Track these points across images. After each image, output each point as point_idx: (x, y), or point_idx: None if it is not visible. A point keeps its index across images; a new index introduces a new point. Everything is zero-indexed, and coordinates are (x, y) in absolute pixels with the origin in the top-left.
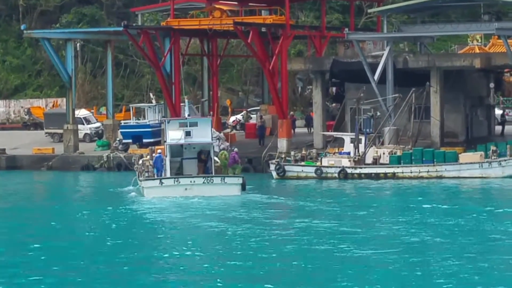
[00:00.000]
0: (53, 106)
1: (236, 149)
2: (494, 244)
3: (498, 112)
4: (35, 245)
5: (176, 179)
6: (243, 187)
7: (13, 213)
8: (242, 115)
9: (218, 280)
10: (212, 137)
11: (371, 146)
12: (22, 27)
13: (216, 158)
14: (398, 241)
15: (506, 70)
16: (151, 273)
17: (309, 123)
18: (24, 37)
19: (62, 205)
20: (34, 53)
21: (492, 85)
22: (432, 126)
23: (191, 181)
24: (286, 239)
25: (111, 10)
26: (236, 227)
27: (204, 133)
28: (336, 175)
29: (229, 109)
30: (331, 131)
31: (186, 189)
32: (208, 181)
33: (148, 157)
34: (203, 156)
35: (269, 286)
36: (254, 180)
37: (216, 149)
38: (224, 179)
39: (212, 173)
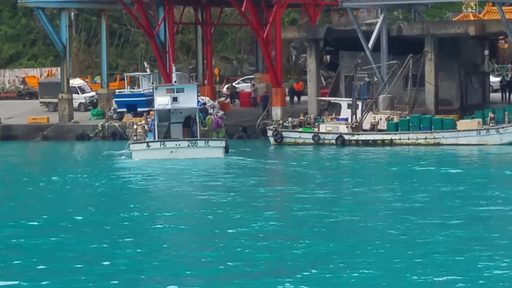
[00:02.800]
0: (47, 75)
1: (220, 114)
2: (490, 209)
3: (494, 79)
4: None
5: (162, 142)
6: (226, 150)
7: (5, 183)
8: (227, 87)
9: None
10: (197, 103)
11: (368, 112)
12: None
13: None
14: (390, 206)
15: (500, 37)
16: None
17: (292, 96)
18: (19, 6)
19: (54, 172)
20: (29, 23)
21: (486, 52)
22: (427, 93)
23: (176, 144)
24: (267, 204)
25: None
26: (217, 192)
27: (190, 99)
28: (334, 141)
29: (217, 78)
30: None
31: (172, 151)
32: (192, 144)
33: (143, 122)
34: (191, 123)
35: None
36: (249, 145)
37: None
38: (207, 142)
39: (197, 137)
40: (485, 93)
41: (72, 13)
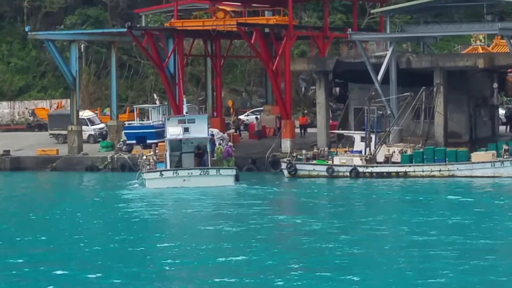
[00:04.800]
0: (57, 107)
1: (230, 144)
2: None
3: (502, 111)
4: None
5: (175, 171)
6: (237, 178)
7: (16, 211)
8: (233, 121)
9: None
10: (208, 133)
11: (382, 144)
12: (27, 28)
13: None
14: (404, 239)
15: (509, 70)
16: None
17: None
18: (29, 38)
19: (66, 201)
20: (39, 55)
21: (495, 85)
22: (436, 126)
23: (188, 173)
24: (280, 232)
25: (115, 11)
26: (229, 220)
27: (201, 129)
28: (348, 173)
29: (231, 110)
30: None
31: (184, 180)
32: (204, 172)
33: (152, 153)
34: (200, 151)
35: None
36: (261, 177)
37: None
38: (219, 171)
39: (208, 166)
40: (494, 125)
41: (82, 45)
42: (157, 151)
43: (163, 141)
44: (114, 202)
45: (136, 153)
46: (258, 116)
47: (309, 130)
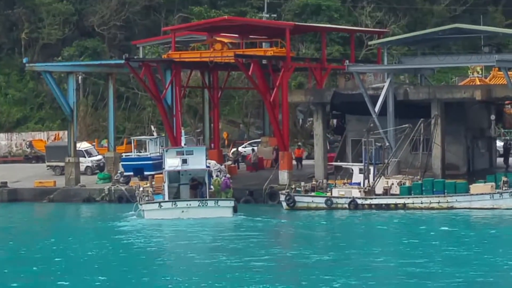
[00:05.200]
0: (54, 139)
1: (228, 175)
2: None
3: (499, 143)
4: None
5: (173, 202)
6: (235, 209)
7: (13, 244)
8: (232, 152)
9: None
10: (206, 164)
11: (381, 176)
12: (24, 60)
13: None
14: (402, 271)
15: (507, 102)
16: None
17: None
18: (27, 70)
19: (62, 230)
20: (36, 86)
21: (493, 117)
22: (434, 158)
23: (187, 204)
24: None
25: (113, 43)
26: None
27: (199, 161)
28: (347, 205)
29: (226, 142)
30: (339, 162)
31: (183, 211)
32: (203, 204)
33: (148, 185)
34: (195, 182)
35: None
36: (259, 209)
37: (214, 176)
38: (217, 202)
39: (206, 197)
40: (492, 157)
41: (80, 77)
42: (153, 183)
43: (160, 173)
44: (112, 233)
45: (133, 185)
46: (255, 148)
47: (306, 162)
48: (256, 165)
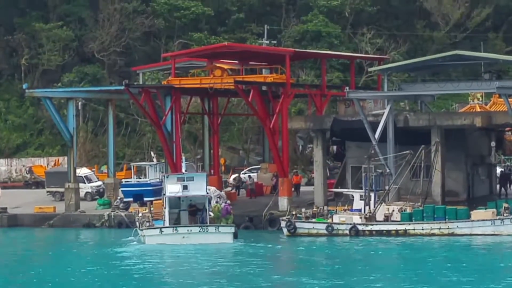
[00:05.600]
0: (54, 164)
1: (228, 202)
2: None
3: (499, 170)
4: None
5: (174, 228)
6: (235, 235)
7: (9, 269)
8: (233, 178)
9: None
10: (206, 191)
11: (381, 203)
12: (24, 86)
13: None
14: None
15: (507, 129)
16: None
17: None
18: (26, 96)
19: (64, 255)
20: (36, 112)
21: (493, 143)
22: (434, 184)
23: (188, 230)
24: None
25: (113, 69)
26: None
27: (199, 187)
28: (348, 232)
29: (223, 168)
30: (339, 188)
31: (183, 237)
32: (203, 230)
33: (147, 210)
34: (193, 208)
35: None
36: (260, 236)
37: (213, 202)
38: (218, 228)
39: (207, 223)
40: (492, 184)
41: (80, 103)
42: (152, 208)
43: (159, 199)
44: (112, 259)
45: (133, 210)
46: (251, 175)
47: (306, 188)
48: (253, 191)
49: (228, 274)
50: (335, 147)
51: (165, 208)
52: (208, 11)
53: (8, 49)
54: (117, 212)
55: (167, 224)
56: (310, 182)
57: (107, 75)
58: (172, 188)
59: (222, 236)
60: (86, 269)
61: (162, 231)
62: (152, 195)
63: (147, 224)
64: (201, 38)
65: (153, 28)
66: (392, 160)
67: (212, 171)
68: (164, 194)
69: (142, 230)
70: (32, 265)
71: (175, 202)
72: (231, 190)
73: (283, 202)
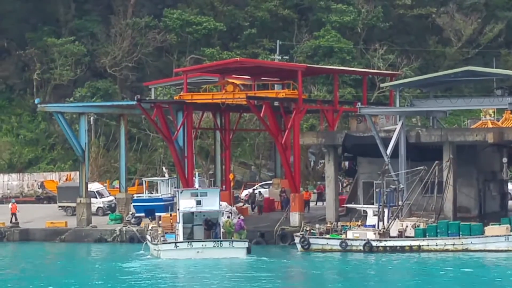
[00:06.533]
0: (66, 179)
1: (242, 217)
2: None
3: (511, 186)
4: None
5: (189, 243)
6: (249, 251)
7: (23, 283)
8: (246, 194)
9: None
10: (219, 206)
11: (395, 219)
12: (36, 101)
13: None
14: None
15: None
16: None
17: (284, 206)
18: (38, 111)
19: (85, 270)
20: (48, 127)
21: (505, 159)
22: (445, 200)
23: (202, 245)
24: None
25: (125, 84)
26: None
27: (212, 202)
28: (361, 247)
29: (232, 184)
30: (353, 204)
31: (198, 252)
32: (218, 245)
33: (156, 224)
34: (208, 223)
35: None
36: (276, 252)
37: (225, 217)
38: (232, 243)
39: (220, 238)
40: (504, 200)
41: (92, 118)
42: (160, 222)
43: (167, 213)
44: (125, 273)
45: (144, 225)
46: (261, 191)
47: (315, 204)
48: (261, 208)
49: None
50: (346, 163)
51: (178, 223)
52: (220, 26)
53: (20, 64)
54: (128, 227)
55: (180, 238)
56: (322, 198)
57: (119, 90)
58: (186, 204)
59: (236, 251)
60: (103, 285)
61: (177, 246)
62: (164, 210)
63: (162, 239)
64: (213, 53)
65: (165, 43)
66: (404, 176)
67: (223, 186)
68: (178, 209)
69: (156, 244)
70: (39, 278)
71: (188, 217)
72: (243, 205)
73: (294, 218)
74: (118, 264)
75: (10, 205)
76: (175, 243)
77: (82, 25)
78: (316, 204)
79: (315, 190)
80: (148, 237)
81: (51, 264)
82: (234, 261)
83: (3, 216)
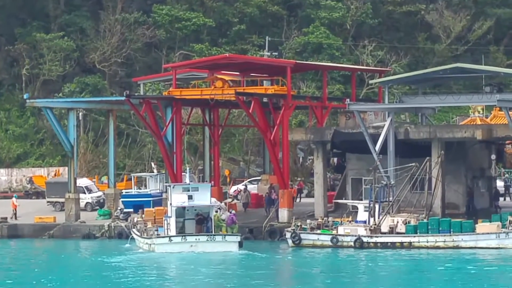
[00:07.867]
0: (55, 175)
1: (233, 211)
2: None
3: (500, 183)
4: None
5: (183, 237)
6: (241, 244)
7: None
8: (243, 190)
9: None
10: (210, 200)
11: (386, 215)
12: (25, 96)
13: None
14: None
15: (507, 141)
16: None
17: (269, 204)
18: (27, 106)
19: (82, 265)
20: (37, 122)
21: (493, 156)
22: (434, 197)
23: (196, 239)
24: None
25: (114, 79)
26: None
27: (204, 197)
28: (352, 243)
29: (227, 179)
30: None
31: (191, 245)
32: (211, 239)
33: (139, 217)
34: (199, 217)
35: None
36: (266, 247)
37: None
38: (224, 237)
39: (212, 232)
40: (492, 197)
41: (80, 113)
42: (143, 216)
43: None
44: (120, 268)
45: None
46: (247, 187)
47: (304, 199)
48: (246, 204)
49: (235, 282)
50: (335, 159)
51: (170, 217)
52: (209, 22)
53: (9, 59)
54: (117, 223)
55: (173, 233)
56: (310, 194)
57: (108, 86)
58: (179, 198)
59: (228, 245)
60: (93, 280)
61: (171, 240)
62: (152, 205)
63: (156, 233)
64: (202, 49)
65: (154, 39)
66: (393, 173)
67: (212, 182)
68: (171, 204)
69: (150, 238)
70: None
71: (179, 212)
72: (232, 201)
73: (283, 214)
74: (104, 259)
75: (14, 200)
76: (169, 237)
77: (71, 20)
78: (295, 201)
79: (295, 186)
80: (134, 230)
81: (48, 260)
82: (226, 255)
83: None
